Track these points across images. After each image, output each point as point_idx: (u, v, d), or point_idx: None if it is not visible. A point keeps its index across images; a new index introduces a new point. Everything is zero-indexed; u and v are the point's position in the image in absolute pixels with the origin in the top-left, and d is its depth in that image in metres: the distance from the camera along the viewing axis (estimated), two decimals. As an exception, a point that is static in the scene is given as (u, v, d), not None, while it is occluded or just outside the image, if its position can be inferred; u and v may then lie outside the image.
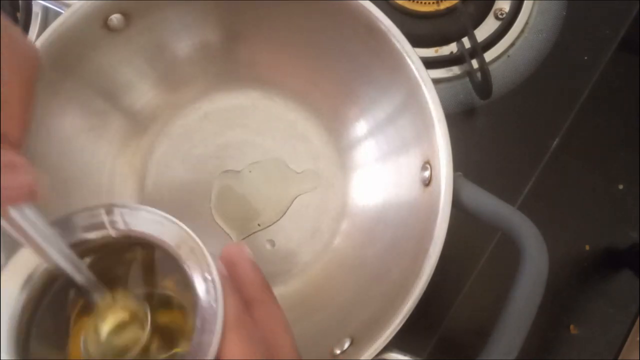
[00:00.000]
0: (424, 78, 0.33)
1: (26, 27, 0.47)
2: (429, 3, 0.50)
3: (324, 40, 0.39)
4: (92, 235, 0.24)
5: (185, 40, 0.41)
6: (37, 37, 0.45)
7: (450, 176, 0.32)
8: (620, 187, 0.47)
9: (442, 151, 0.32)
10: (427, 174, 0.34)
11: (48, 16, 0.47)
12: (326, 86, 0.42)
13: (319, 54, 0.41)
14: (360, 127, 0.42)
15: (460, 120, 0.48)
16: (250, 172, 0.43)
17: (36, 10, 0.47)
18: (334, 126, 0.43)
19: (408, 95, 0.35)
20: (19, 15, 0.47)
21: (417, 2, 0.50)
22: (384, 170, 0.40)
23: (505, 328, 0.28)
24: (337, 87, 0.42)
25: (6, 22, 0.22)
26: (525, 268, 0.29)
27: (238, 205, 0.42)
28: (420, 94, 0.33)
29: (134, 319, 0.25)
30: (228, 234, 0.42)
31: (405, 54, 0.34)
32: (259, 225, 0.42)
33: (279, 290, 0.40)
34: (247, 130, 0.44)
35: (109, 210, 0.24)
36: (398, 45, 0.34)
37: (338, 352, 0.32)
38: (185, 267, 0.23)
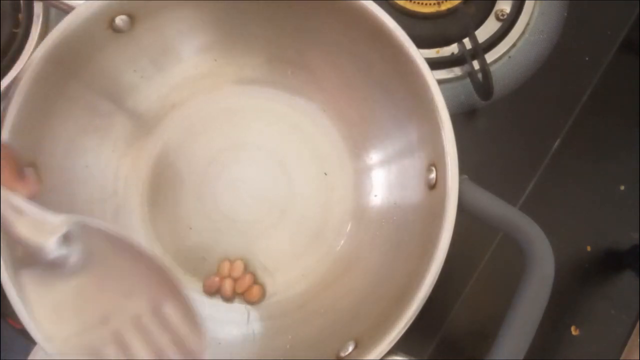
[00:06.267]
0: (430, 80, 0.33)
1: (27, 29, 0.46)
2: (430, 4, 0.50)
3: (329, 41, 0.39)
4: None
5: (189, 41, 0.41)
6: (40, 39, 0.45)
7: (456, 179, 0.32)
8: (622, 188, 0.47)
9: (448, 154, 0.32)
10: (432, 176, 0.34)
11: (49, 17, 0.47)
12: (331, 88, 0.42)
13: (323, 55, 0.41)
14: (365, 129, 0.42)
15: (461, 121, 0.48)
16: (255, 172, 0.43)
17: (37, 11, 0.47)
18: (339, 128, 0.43)
19: (413, 96, 0.35)
20: (20, 16, 0.47)
21: (418, 2, 0.50)
22: (388, 172, 0.40)
23: (512, 329, 0.29)
24: (342, 89, 0.42)
25: None
26: (532, 270, 0.29)
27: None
28: (426, 96, 0.33)
29: None
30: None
31: (411, 56, 0.34)
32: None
33: (283, 293, 0.40)
34: (251, 131, 0.44)
35: None
36: (404, 47, 0.34)
37: (342, 355, 0.32)
38: None
